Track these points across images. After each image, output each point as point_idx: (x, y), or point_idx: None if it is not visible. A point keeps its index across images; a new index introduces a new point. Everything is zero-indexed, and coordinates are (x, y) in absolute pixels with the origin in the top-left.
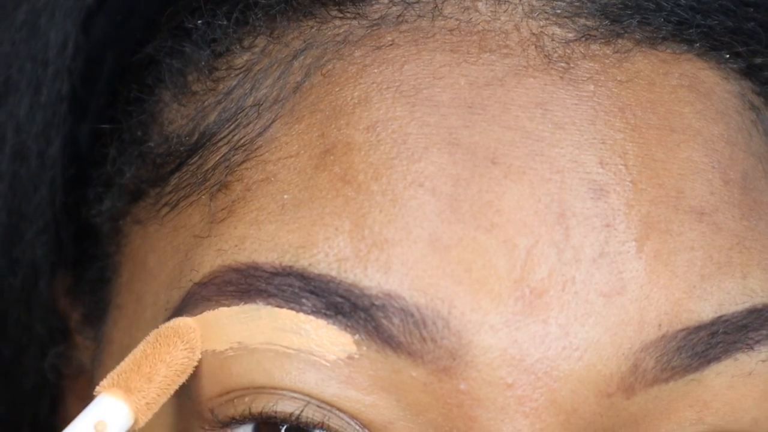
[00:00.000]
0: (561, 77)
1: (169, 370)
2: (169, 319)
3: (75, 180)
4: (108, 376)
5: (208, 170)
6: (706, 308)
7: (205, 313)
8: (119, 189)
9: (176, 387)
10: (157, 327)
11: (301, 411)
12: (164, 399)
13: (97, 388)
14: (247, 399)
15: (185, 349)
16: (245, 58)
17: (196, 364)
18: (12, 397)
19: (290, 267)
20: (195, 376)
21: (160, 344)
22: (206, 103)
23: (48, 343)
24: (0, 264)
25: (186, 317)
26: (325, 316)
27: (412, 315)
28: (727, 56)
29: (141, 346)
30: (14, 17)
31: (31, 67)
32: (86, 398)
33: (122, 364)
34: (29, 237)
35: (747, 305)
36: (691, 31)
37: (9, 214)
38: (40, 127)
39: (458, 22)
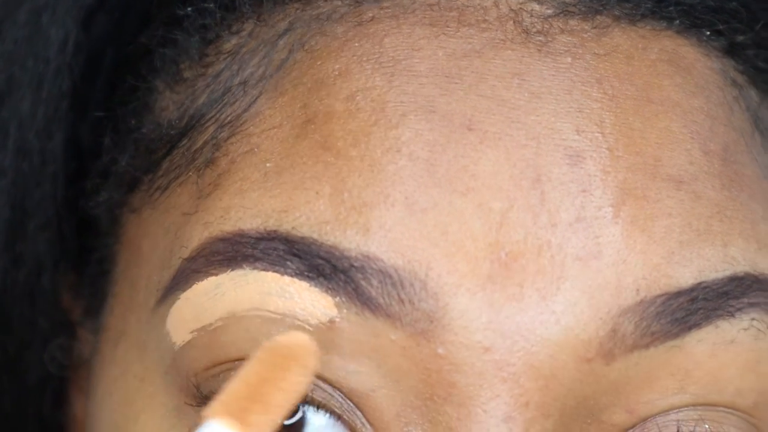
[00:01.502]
0: (539, 50)
1: (285, 398)
2: (160, 299)
3: (76, 174)
4: (221, 400)
5: (196, 150)
6: (685, 274)
7: (194, 286)
8: (116, 179)
9: (285, 414)
10: (156, 309)
11: None
12: (273, 429)
13: (208, 411)
14: (232, 373)
15: (302, 374)
16: (233, 42)
17: (307, 387)
18: (17, 392)
19: (274, 231)
20: (186, 350)
21: (276, 367)
22: (196, 87)
23: (51, 339)
24: (3, 259)
25: (302, 333)
26: (308, 278)
27: (390, 276)
28: (708, 33)
29: (255, 368)
30: (16, 16)
31: (32, 64)
32: (86, 389)
33: (237, 386)
34: (32, 232)
35: (728, 273)
36: (671, 8)
37: (12, 209)
38: (42, 124)
39: None
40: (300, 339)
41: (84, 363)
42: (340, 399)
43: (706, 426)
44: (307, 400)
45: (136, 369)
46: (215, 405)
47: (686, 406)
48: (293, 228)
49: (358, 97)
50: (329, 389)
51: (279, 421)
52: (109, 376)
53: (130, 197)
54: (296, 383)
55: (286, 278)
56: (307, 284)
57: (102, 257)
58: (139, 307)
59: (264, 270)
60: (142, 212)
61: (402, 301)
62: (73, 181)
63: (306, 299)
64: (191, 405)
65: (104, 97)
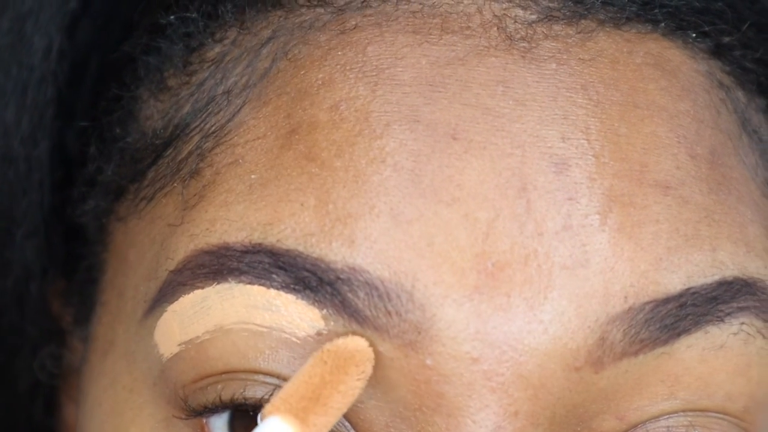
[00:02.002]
0: (523, 56)
1: (342, 401)
2: (147, 311)
3: (63, 182)
4: (281, 398)
5: (181, 160)
6: (673, 280)
7: (181, 299)
8: (102, 187)
9: (341, 416)
10: (143, 321)
11: (271, 395)
12: (328, 429)
13: (269, 408)
14: (219, 386)
15: (359, 379)
16: (217, 50)
17: (361, 391)
18: (7, 398)
19: (260, 244)
20: (174, 362)
21: (337, 370)
22: (180, 96)
23: (40, 346)
24: None
25: (361, 338)
26: (294, 291)
27: (376, 288)
28: (694, 35)
29: (317, 370)
30: (0, 24)
31: (17, 72)
32: (76, 397)
33: (297, 385)
34: (19, 240)
35: (716, 277)
36: (656, 11)
37: None
38: (27, 131)
39: (421, 5)
40: (360, 344)
41: (74, 371)
42: None
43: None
44: None
45: (125, 380)
46: (276, 402)
47: (676, 411)
48: (278, 241)
49: (341, 107)
50: None
51: (333, 422)
52: (98, 387)
53: (116, 206)
54: (353, 387)
55: (272, 291)
56: (294, 297)
57: (90, 265)
58: (127, 317)
59: (250, 283)
60: (128, 221)
61: (389, 312)
62: (60, 188)
63: (293, 312)
64: (179, 418)
65: (89, 105)
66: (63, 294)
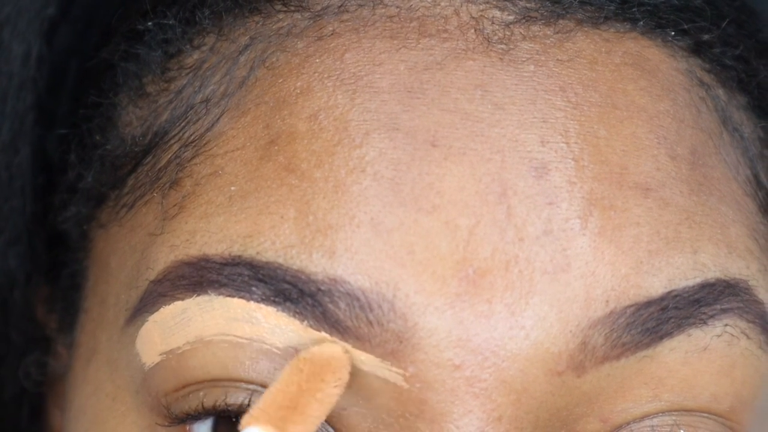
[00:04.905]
0: (501, 59)
1: (320, 409)
2: (129, 319)
3: (45, 188)
4: (260, 408)
5: (160, 169)
6: (655, 283)
7: (162, 309)
8: (83, 194)
9: (319, 424)
10: (125, 329)
11: (250, 399)
12: None
13: (248, 419)
14: (201, 393)
15: (336, 386)
16: (195, 56)
17: (338, 398)
18: None
19: (239, 256)
20: (156, 371)
21: (314, 378)
22: (159, 103)
23: (26, 354)
24: None
25: (337, 345)
26: (274, 303)
27: (357, 299)
28: (673, 33)
29: (294, 378)
30: None
31: None
32: (62, 405)
33: (275, 395)
34: (2, 247)
35: (698, 280)
36: (634, 9)
37: None
38: (8, 138)
39: (398, 9)
40: (336, 351)
41: (59, 378)
42: None
43: (682, 431)
44: None
45: (108, 388)
46: (255, 412)
47: (661, 412)
48: (258, 253)
49: (320, 116)
50: None
51: (312, 429)
52: (81, 394)
53: (97, 213)
54: (331, 395)
55: (252, 304)
56: (274, 309)
57: (73, 272)
58: (110, 324)
59: (230, 296)
60: (109, 228)
61: (370, 322)
62: (42, 195)
63: (273, 324)
64: (163, 425)
65: (69, 112)
66: (47, 300)
